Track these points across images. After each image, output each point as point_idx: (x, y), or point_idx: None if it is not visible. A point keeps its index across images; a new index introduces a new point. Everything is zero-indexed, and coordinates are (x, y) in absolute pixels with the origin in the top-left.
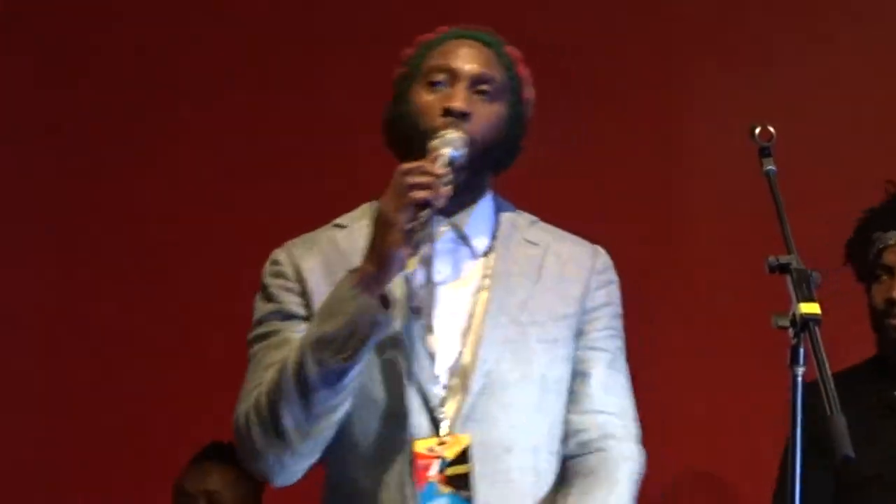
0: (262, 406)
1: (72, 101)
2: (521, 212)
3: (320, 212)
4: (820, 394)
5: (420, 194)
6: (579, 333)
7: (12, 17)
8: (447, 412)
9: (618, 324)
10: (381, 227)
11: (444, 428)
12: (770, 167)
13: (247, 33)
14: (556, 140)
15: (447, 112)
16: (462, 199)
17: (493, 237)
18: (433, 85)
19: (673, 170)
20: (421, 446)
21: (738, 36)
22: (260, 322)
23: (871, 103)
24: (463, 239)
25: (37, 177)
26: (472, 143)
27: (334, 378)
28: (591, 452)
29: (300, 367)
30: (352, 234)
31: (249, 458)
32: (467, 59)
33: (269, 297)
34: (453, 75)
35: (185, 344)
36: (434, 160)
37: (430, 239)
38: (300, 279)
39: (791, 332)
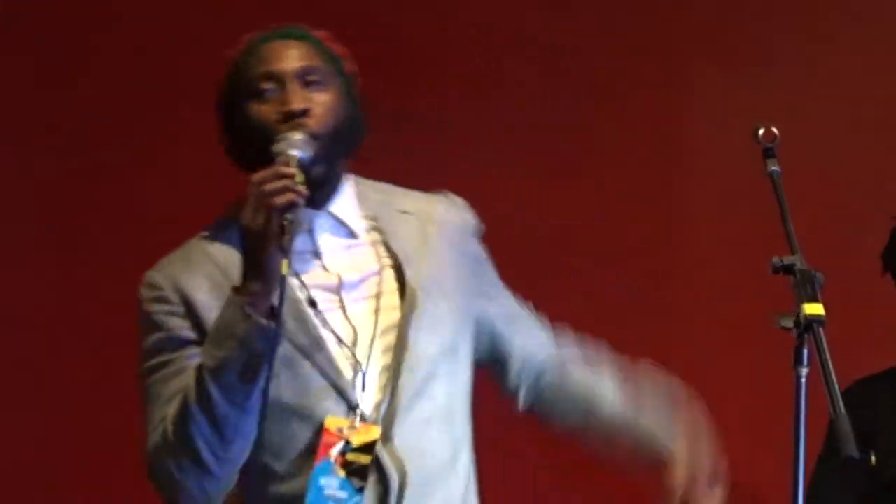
0: (173, 440)
1: (72, 100)
2: (371, 181)
3: None
4: (859, 395)
5: (283, 199)
6: (478, 292)
7: (12, 17)
8: (370, 399)
9: (491, 267)
10: (253, 241)
11: (365, 409)
12: (774, 168)
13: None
14: (557, 140)
15: (288, 116)
16: (329, 188)
17: (368, 216)
18: (263, 93)
19: (675, 171)
20: (331, 423)
21: (740, 36)
22: (149, 353)
23: (873, 103)
24: (342, 224)
25: (36, 176)
26: (319, 137)
27: (242, 399)
28: (557, 360)
29: (204, 395)
30: (222, 246)
31: (170, 491)
32: (286, 58)
33: (155, 326)
34: (279, 79)
35: None
36: (284, 164)
37: (293, 239)
38: (185, 301)
39: (795, 333)
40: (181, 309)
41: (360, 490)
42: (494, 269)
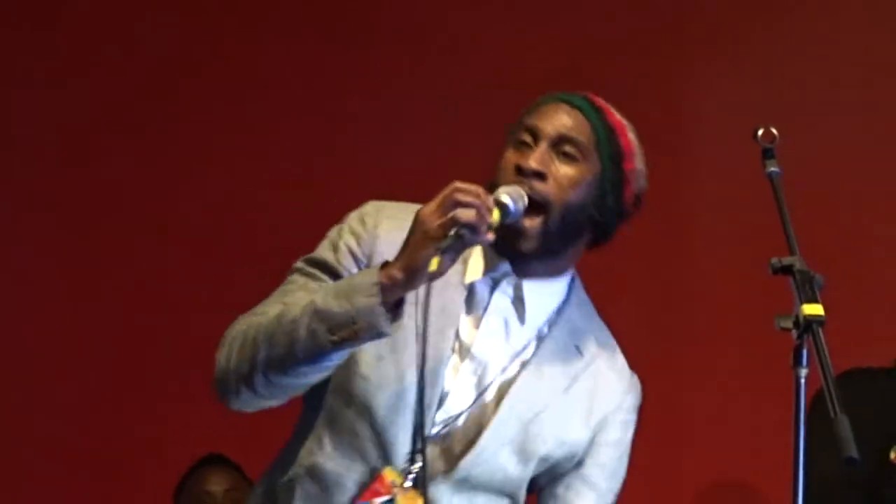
0: (251, 332)
1: (72, 100)
2: (589, 303)
3: (334, 214)
4: (881, 387)
5: (466, 215)
6: (578, 462)
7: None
8: (426, 459)
9: (619, 465)
10: (418, 234)
11: (426, 475)
12: (773, 168)
13: (248, 32)
14: None
15: (519, 169)
16: (539, 266)
17: (552, 322)
18: (519, 145)
19: (675, 171)
20: (388, 475)
21: (739, 37)
22: (310, 261)
23: (873, 104)
24: (519, 301)
25: (37, 175)
26: (546, 208)
27: (315, 353)
28: None
29: (294, 324)
30: None
31: (220, 365)
32: (553, 121)
33: (335, 248)
34: (535, 135)
35: (183, 343)
36: (489, 199)
37: (457, 251)
38: (370, 256)
39: (794, 333)
40: (362, 257)
41: None
42: (612, 473)
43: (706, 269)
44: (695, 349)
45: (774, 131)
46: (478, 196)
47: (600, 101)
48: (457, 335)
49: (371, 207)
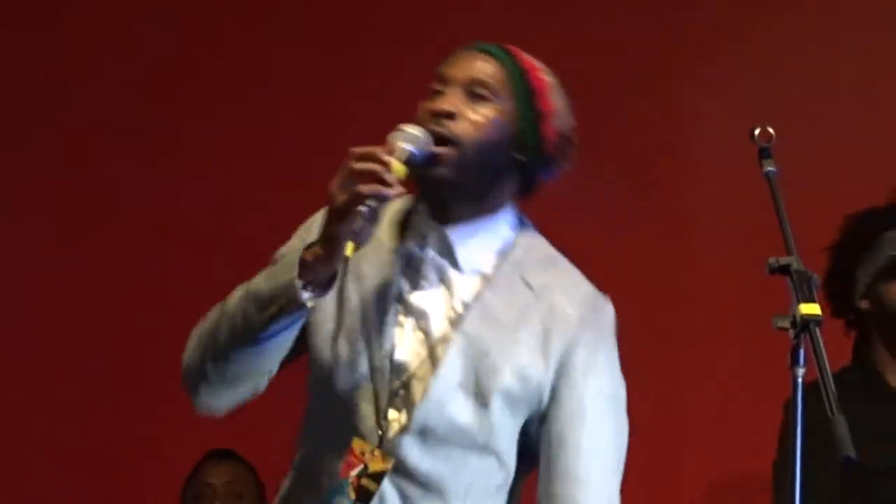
0: (202, 327)
1: (71, 99)
2: (541, 241)
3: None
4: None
5: (368, 188)
6: (554, 390)
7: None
8: (391, 422)
9: (605, 382)
10: (331, 209)
11: (387, 436)
12: (770, 168)
13: (248, 32)
14: None
15: (431, 114)
16: (465, 207)
17: (493, 263)
18: (432, 94)
19: (672, 171)
20: (357, 446)
21: (736, 38)
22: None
23: (872, 104)
24: (448, 249)
25: (35, 173)
26: (458, 142)
27: (250, 332)
28: None
29: (232, 309)
30: (384, 223)
31: (185, 363)
32: (464, 66)
33: (288, 244)
34: (446, 81)
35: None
36: (389, 152)
37: (369, 227)
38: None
39: (791, 333)
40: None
41: None
42: (598, 393)
43: (704, 269)
44: (693, 349)
45: (771, 131)
46: (373, 158)
47: (512, 47)
48: (398, 297)
49: (318, 214)
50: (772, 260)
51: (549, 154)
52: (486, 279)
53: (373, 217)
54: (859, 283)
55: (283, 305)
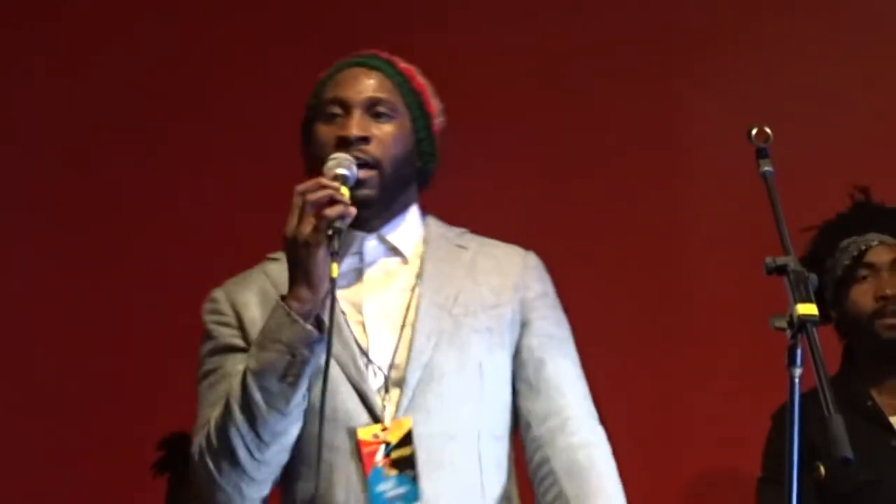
0: (214, 439)
1: (70, 98)
2: (450, 226)
3: None
4: (806, 405)
5: (334, 211)
6: (523, 323)
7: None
8: (387, 405)
9: (559, 314)
10: (299, 249)
11: (385, 418)
12: (767, 168)
13: (248, 33)
14: (553, 143)
15: (342, 140)
16: (387, 213)
17: (423, 244)
18: (330, 118)
19: (670, 171)
20: (364, 434)
21: (734, 38)
22: (202, 362)
23: (869, 105)
24: (392, 250)
25: (35, 174)
26: (375, 165)
27: (281, 403)
28: (561, 441)
29: (246, 396)
30: (283, 266)
31: (209, 490)
32: (357, 87)
33: (208, 335)
34: (345, 105)
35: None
36: (331, 179)
37: (343, 245)
38: (236, 312)
39: (788, 333)
40: (232, 320)
41: (415, 479)
42: (557, 321)
43: (702, 269)
44: (690, 349)
45: (768, 131)
46: (324, 186)
47: (386, 54)
48: (357, 307)
49: (211, 294)
50: (769, 260)
51: (439, 152)
52: (425, 255)
53: (341, 239)
54: (827, 293)
55: (302, 360)
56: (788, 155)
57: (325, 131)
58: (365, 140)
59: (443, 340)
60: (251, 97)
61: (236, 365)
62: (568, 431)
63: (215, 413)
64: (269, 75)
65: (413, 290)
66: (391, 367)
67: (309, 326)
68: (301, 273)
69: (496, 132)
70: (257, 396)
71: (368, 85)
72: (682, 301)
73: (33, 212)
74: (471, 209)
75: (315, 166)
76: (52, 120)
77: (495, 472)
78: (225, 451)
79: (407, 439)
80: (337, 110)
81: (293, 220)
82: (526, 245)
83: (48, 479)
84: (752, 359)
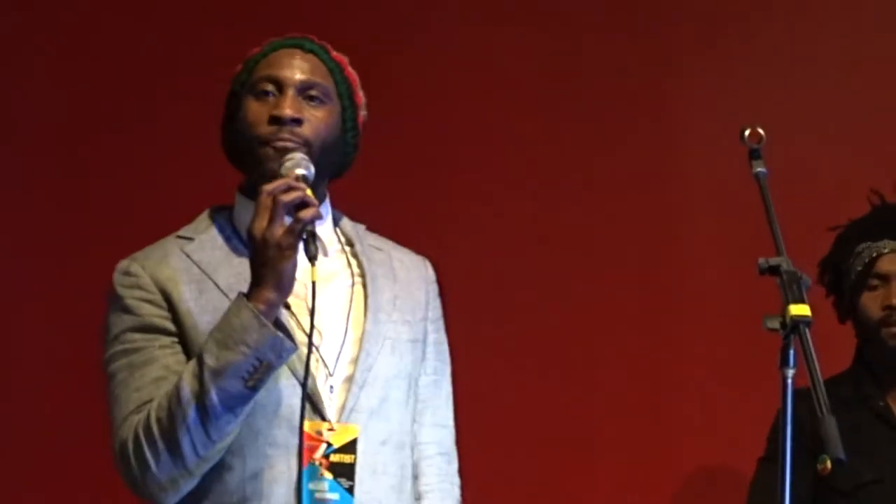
0: (156, 431)
1: (67, 98)
2: (351, 220)
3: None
4: (804, 400)
5: (306, 213)
6: (426, 341)
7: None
8: (334, 404)
9: (442, 337)
10: (271, 251)
11: (331, 418)
12: (760, 169)
13: (246, 33)
14: (548, 141)
15: (274, 119)
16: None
17: (341, 239)
18: (262, 95)
19: (664, 172)
20: (309, 427)
21: (728, 38)
22: (118, 337)
23: (863, 105)
24: (313, 237)
25: (33, 174)
26: (307, 147)
27: (238, 404)
28: (429, 465)
29: (201, 394)
30: (202, 245)
31: (141, 481)
32: (293, 68)
33: (127, 309)
34: (280, 85)
35: None
36: (296, 179)
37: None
38: (162, 291)
39: (781, 333)
40: (158, 297)
41: (350, 490)
42: (446, 346)
43: (695, 270)
44: (683, 350)
45: (761, 132)
46: (294, 188)
47: (319, 41)
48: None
49: (122, 265)
50: (762, 261)
51: (359, 144)
52: (349, 251)
53: (315, 238)
54: (844, 299)
55: (269, 365)
56: (782, 156)
57: (257, 108)
58: (297, 122)
59: (386, 345)
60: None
61: (165, 349)
62: (438, 466)
63: (155, 404)
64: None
65: (355, 287)
66: (337, 364)
67: (281, 335)
68: (270, 274)
69: (485, 133)
70: (214, 396)
71: (304, 67)
72: (675, 301)
73: (30, 212)
74: (460, 209)
75: (242, 142)
76: (50, 118)
77: (410, 480)
78: (168, 444)
79: (350, 447)
80: (270, 88)
81: (262, 221)
82: (516, 245)
83: (40, 480)
84: (743, 360)
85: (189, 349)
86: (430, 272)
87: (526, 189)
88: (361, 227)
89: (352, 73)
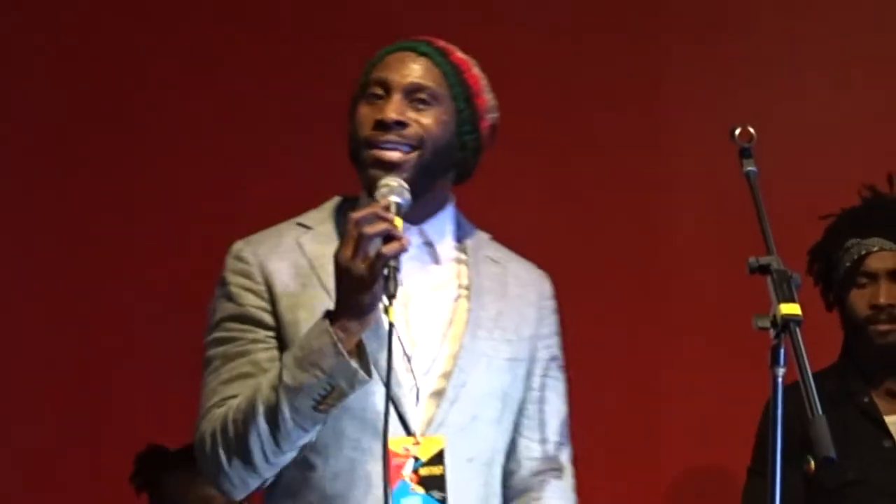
0: (231, 433)
1: (65, 97)
2: (478, 230)
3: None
4: (796, 397)
5: (390, 248)
6: (533, 359)
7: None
8: (420, 417)
9: (562, 354)
10: (353, 283)
11: (416, 431)
12: (750, 168)
13: (246, 32)
14: (538, 142)
15: (379, 123)
16: (424, 206)
17: (459, 248)
18: (371, 98)
19: (654, 172)
20: (396, 445)
21: (718, 38)
22: (219, 323)
23: (852, 103)
24: (428, 245)
25: (32, 173)
26: (420, 146)
27: (308, 424)
28: (540, 481)
29: (275, 408)
30: (317, 237)
31: (214, 475)
32: (402, 71)
33: (230, 297)
34: (388, 87)
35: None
36: (386, 208)
37: (398, 284)
38: (267, 281)
39: (772, 332)
40: (262, 288)
41: (443, 501)
42: (561, 363)
43: (685, 269)
44: (673, 348)
45: (752, 130)
46: (382, 219)
47: (441, 43)
48: (403, 305)
49: (236, 247)
50: (752, 260)
51: (484, 148)
52: (462, 262)
53: (397, 276)
54: (831, 292)
55: (341, 392)
56: (773, 154)
57: (364, 111)
58: (401, 125)
59: (482, 363)
60: (252, 98)
61: (257, 344)
62: (550, 478)
63: (234, 401)
64: (271, 77)
65: (459, 300)
66: (428, 377)
67: (354, 364)
68: (351, 305)
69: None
70: (286, 412)
71: (413, 70)
72: (664, 300)
73: (20, 211)
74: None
75: (353, 143)
76: (50, 118)
77: (496, 500)
78: (240, 449)
79: (438, 458)
80: (378, 91)
81: (347, 252)
82: (505, 243)
83: (32, 480)
84: (733, 359)
85: (285, 343)
86: (547, 288)
87: (512, 188)
88: (485, 237)
89: (475, 75)
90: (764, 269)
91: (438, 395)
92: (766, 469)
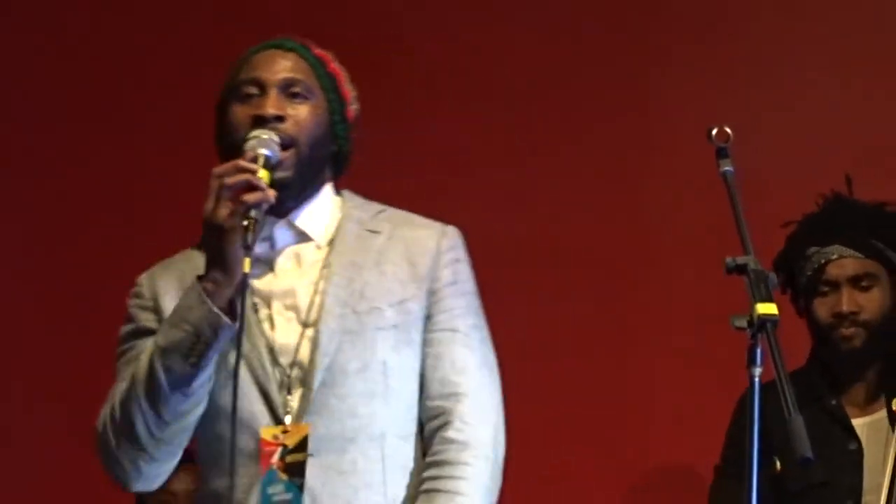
0: (117, 413)
1: (64, 97)
2: (370, 202)
3: None
4: (766, 398)
5: (252, 197)
6: (427, 317)
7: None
8: (290, 405)
9: (467, 301)
10: (215, 232)
11: (287, 420)
12: (727, 168)
13: (244, 33)
14: (521, 139)
15: (257, 119)
16: (299, 196)
17: (332, 231)
18: (245, 98)
19: (634, 171)
20: (266, 433)
21: (702, 37)
22: (120, 341)
23: (831, 105)
24: (301, 235)
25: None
26: (291, 145)
27: (183, 383)
28: (440, 440)
29: (149, 373)
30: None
31: (108, 463)
32: (273, 68)
33: (128, 318)
34: (261, 85)
35: None
36: (250, 160)
37: (257, 237)
38: (154, 297)
39: (749, 332)
40: (151, 304)
41: (300, 487)
42: (463, 311)
43: (662, 268)
44: (651, 346)
45: (728, 131)
46: (241, 170)
47: (301, 39)
48: (265, 298)
49: (138, 277)
50: (729, 260)
51: (352, 137)
52: (330, 244)
53: (260, 226)
54: (799, 299)
55: (207, 341)
56: (751, 155)
57: (240, 111)
58: (280, 119)
59: (346, 341)
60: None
61: (147, 346)
62: (450, 435)
63: (121, 388)
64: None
65: (319, 282)
66: (293, 366)
67: (216, 309)
68: (216, 256)
69: (458, 126)
70: (161, 375)
71: (284, 65)
72: (642, 299)
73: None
74: (438, 202)
75: (228, 149)
76: (46, 117)
77: (400, 473)
78: (125, 426)
79: (302, 445)
80: (252, 90)
81: (210, 204)
82: (489, 238)
83: (23, 480)
84: (710, 359)
85: None
86: (444, 241)
87: (492, 192)
88: (374, 211)
89: (336, 68)
90: (741, 269)
91: (303, 382)
92: (735, 469)
